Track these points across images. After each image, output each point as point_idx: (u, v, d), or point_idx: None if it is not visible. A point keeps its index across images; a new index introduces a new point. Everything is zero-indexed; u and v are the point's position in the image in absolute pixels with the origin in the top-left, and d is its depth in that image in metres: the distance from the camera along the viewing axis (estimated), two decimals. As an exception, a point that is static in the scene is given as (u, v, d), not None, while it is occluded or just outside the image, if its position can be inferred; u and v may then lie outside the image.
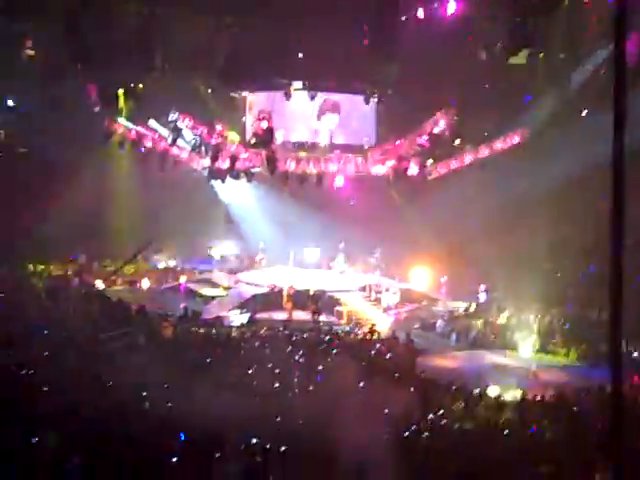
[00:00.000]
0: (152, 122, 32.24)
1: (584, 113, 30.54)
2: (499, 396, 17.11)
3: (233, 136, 32.54)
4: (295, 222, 36.20)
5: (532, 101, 31.05)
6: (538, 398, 16.84)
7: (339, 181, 32.84)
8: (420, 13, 25.66)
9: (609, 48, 24.91)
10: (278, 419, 13.54)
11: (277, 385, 16.41)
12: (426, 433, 13.16)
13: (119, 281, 34.15)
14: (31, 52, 28.56)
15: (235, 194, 37.39)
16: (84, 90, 29.48)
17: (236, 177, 32.90)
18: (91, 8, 25.28)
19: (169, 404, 14.03)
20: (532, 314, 26.96)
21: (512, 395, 17.34)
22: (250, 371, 17.51)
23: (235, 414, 13.09)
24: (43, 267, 33.40)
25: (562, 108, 30.07)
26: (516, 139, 30.45)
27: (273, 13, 25.67)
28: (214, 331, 23.90)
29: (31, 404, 12.92)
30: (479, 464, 11.43)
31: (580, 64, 27.53)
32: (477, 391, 17.73)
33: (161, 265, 37.40)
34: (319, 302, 29.59)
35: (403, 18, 25.49)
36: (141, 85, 30.32)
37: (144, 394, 14.45)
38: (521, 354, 24.68)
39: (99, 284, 32.01)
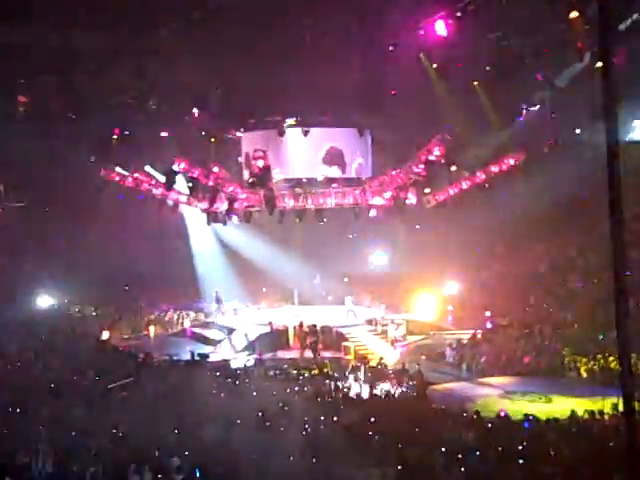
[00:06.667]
0: (148, 168, 32.22)
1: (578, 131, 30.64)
2: (512, 421, 16.82)
3: None
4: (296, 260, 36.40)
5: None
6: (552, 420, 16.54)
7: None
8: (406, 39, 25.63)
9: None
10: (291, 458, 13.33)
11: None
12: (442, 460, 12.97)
13: (125, 330, 33.99)
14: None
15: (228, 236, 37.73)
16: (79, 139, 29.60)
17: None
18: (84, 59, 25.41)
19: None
20: (539, 337, 26.75)
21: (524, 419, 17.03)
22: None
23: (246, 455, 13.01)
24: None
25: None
26: (511, 161, 30.28)
27: (261, 52, 25.75)
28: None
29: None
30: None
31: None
32: (489, 418, 17.49)
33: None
34: (317, 335, 29.49)
35: (390, 48, 25.60)
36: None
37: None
38: (531, 377, 24.56)
39: (104, 334, 31.76)
